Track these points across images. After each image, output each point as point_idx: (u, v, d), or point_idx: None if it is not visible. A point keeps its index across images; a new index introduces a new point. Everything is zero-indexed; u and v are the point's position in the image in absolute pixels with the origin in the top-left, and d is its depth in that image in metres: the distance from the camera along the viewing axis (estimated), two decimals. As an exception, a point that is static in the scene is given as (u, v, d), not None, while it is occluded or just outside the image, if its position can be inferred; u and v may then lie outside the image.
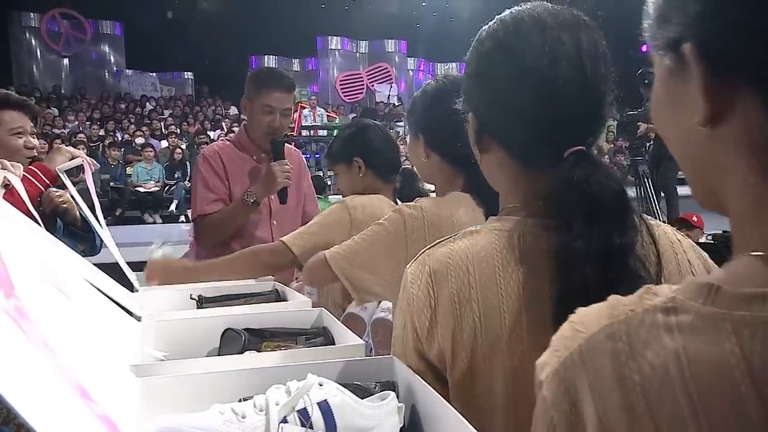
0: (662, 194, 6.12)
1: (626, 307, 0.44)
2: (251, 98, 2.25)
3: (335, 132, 12.10)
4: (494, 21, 0.83)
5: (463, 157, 1.20)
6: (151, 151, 9.94)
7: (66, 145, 8.90)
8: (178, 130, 12.06)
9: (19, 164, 1.36)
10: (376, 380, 0.86)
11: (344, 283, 1.32)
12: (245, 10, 16.82)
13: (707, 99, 0.42)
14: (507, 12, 0.83)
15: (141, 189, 9.37)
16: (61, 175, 1.45)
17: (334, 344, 1.15)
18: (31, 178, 1.41)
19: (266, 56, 18.61)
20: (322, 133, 12.20)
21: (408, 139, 1.43)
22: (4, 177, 1.23)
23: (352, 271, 1.30)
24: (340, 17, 17.95)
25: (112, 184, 9.54)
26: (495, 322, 0.74)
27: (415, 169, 1.56)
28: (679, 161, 0.49)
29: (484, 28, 0.84)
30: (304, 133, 11.77)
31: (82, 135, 10.52)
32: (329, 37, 18.56)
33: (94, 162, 1.70)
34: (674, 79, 0.47)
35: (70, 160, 1.57)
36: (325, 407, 0.71)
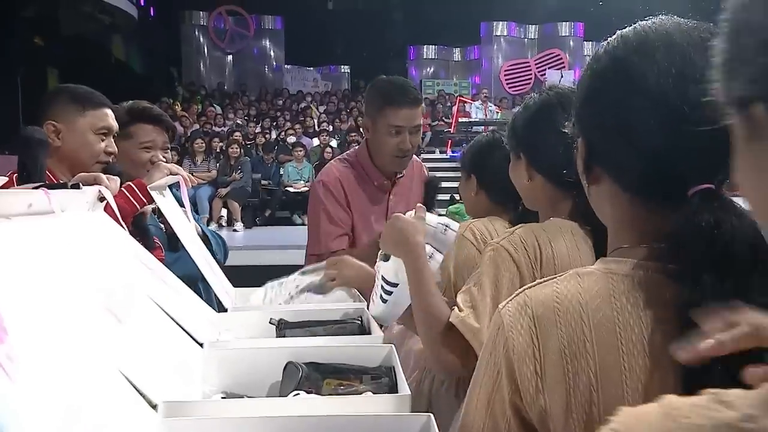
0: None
1: (685, 418, 0.40)
2: (374, 118, 2.14)
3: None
4: (615, 36, 0.79)
5: (571, 179, 1.15)
6: (301, 150, 10.56)
7: (222, 144, 9.66)
8: (330, 127, 12.68)
9: (116, 178, 1.52)
10: (403, 442, 0.86)
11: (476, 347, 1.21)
12: (405, -3, 17.25)
13: None
14: (631, 27, 0.79)
15: (291, 189, 9.98)
16: (151, 192, 1.60)
17: (396, 387, 1.16)
18: (127, 194, 1.58)
19: (425, 46, 18.94)
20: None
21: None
22: (99, 191, 1.38)
23: (483, 336, 1.19)
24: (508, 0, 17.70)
25: (263, 182, 10.24)
26: (615, 382, 0.70)
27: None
28: None
29: (603, 43, 0.80)
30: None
31: (238, 134, 11.45)
32: (494, 23, 18.39)
33: (192, 178, 1.86)
34: (750, 142, 0.43)
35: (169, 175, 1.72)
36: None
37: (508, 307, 0.78)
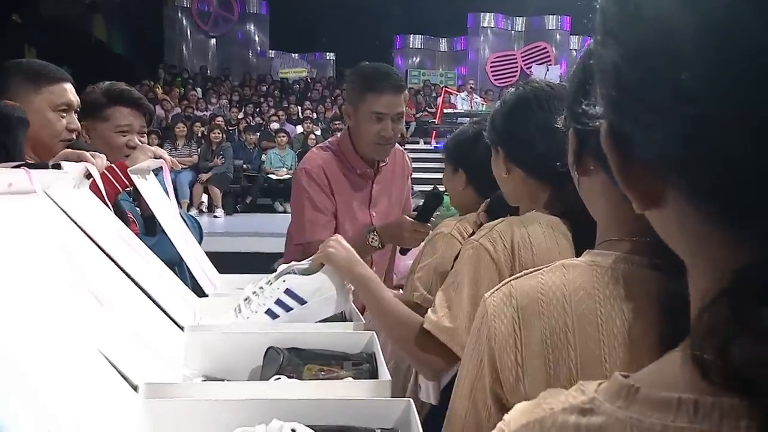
0: None
1: (548, 405, 0.45)
2: (355, 104, 2.12)
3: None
4: None
5: (549, 171, 1.17)
6: (284, 137, 10.51)
7: (203, 128, 9.54)
8: (314, 115, 12.64)
9: (102, 155, 1.50)
10: (381, 426, 0.87)
11: (458, 352, 1.22)
12: (392, -15, 17.19)
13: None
14: None
15: (273, 176, 9.94)
16: (131, 175, 1.59)
17: (377, 372, 1.17)
18: (109, 176, 1.56)
19: (411, 35, 18.91)
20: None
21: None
22: (86, 168, 1.37)
23: (459, 336, 1.23)
24: (495, -9, 17.73)
25: (245, 166, 10.19)
26: (595, 373, 0.71)
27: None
28: None
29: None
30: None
31: (220, 118, 11.38)
32: (482, 14, 18.41)
33: (175, 162, 1.84)
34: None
35: (154, 158, 1.71)
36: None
37: (493, 297, 0.79)
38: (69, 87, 1.82)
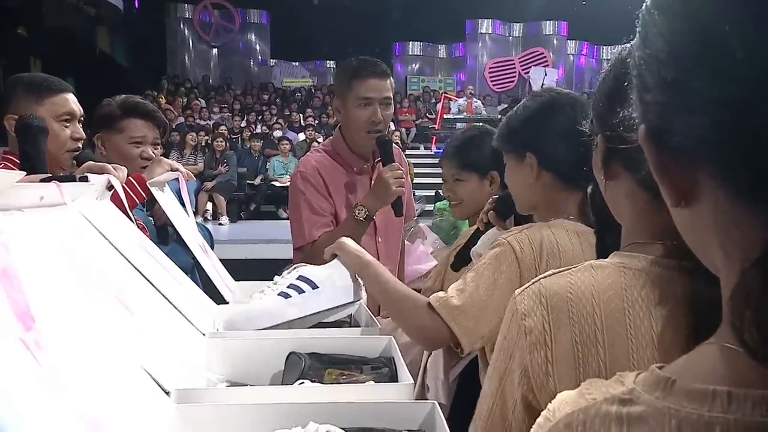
0: None
1: (591, 395, 0.48)
2: (343, 95, 2.09)
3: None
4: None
5: (579, 175, 1.17)
6: (287, 144, 10.54)
7: (206, 137, 9.56)
8: (317, 122, 12.67)
9: (124, 168, 1.53)
10: (407, 428, 0.89)
11: (457, 332, 1.28)
12: (390, -6, 17.24)
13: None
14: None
15: (276, 183, 9.97)
16: (150, 188, 1.61)
17: (396, 376, 1.19)
18: (128, 189, 1.58)
19: (410, 42, 18.96)
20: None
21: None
22: (108, 179, 1.39)
23: (471, 329, 1.26)
24: (493, -2, 17.78)
25: (248, 180, 10.22)
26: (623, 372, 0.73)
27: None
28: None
29: (625, 46, 0.80)
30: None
31: (223, 127, 11.41)
32: (479, 20, 18.49)
33: (190, 174, 1.86)
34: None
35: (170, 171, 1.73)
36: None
37: (523, 295, 0.80)
38: (71, 97, 1.84)
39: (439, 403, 1.60)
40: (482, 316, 1.27)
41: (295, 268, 1.48)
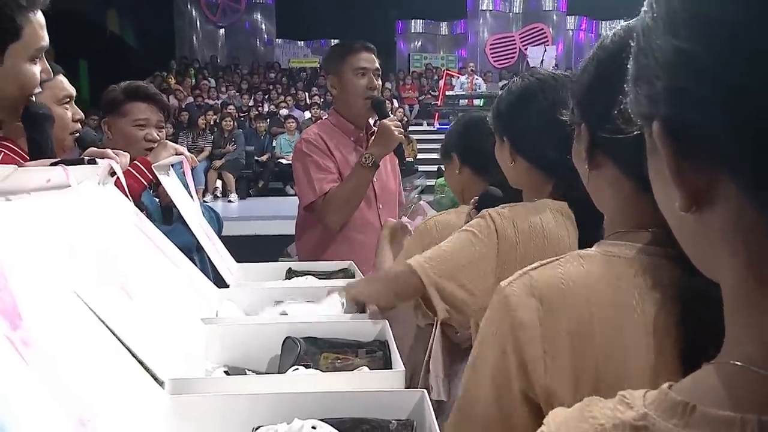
0: None
1: (595, 419, 0.43)
2: (338, 70, 2.24)
3: (482, 102, 11.94)
4: (622, 26, 0.77)
5: (553, 163, 1.16)
6: (293, 122, 10.48)
7: (215, 117, 9.52)
8: (322, 101, 12.58)
9: (126, 154, 1.51)
10: (396, 417, 0.88)
11: (432, 295, 1.27)
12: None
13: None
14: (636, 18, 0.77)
15: (283, 161, 9.93)
16: (155, 171, 1.60)
17: (390, 361, 1.17)
18: (134, 172, 1.57)
19: (413, 21, 18.70)
20: (477, 102, 12.02)
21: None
22: (110, 165, 1.37)
23: (441, 282, 1.26)
24: (494, -26, 17.47)
25: (256, 158, 10.18)
26: (620, 362, 0.70)
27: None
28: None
29: (608, 33, 0.78)
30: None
31: (231, 107, 11.34)
32: (481, -3, 18.19)
33: (194, 159, 1.85)
34: (651, 154, 0.45)
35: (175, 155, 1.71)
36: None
37: (512, 286, 0.76)
38: (63, 78, 1.81)
39: (440, 401, 1.62)
40: (451, 269, 1.26)
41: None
